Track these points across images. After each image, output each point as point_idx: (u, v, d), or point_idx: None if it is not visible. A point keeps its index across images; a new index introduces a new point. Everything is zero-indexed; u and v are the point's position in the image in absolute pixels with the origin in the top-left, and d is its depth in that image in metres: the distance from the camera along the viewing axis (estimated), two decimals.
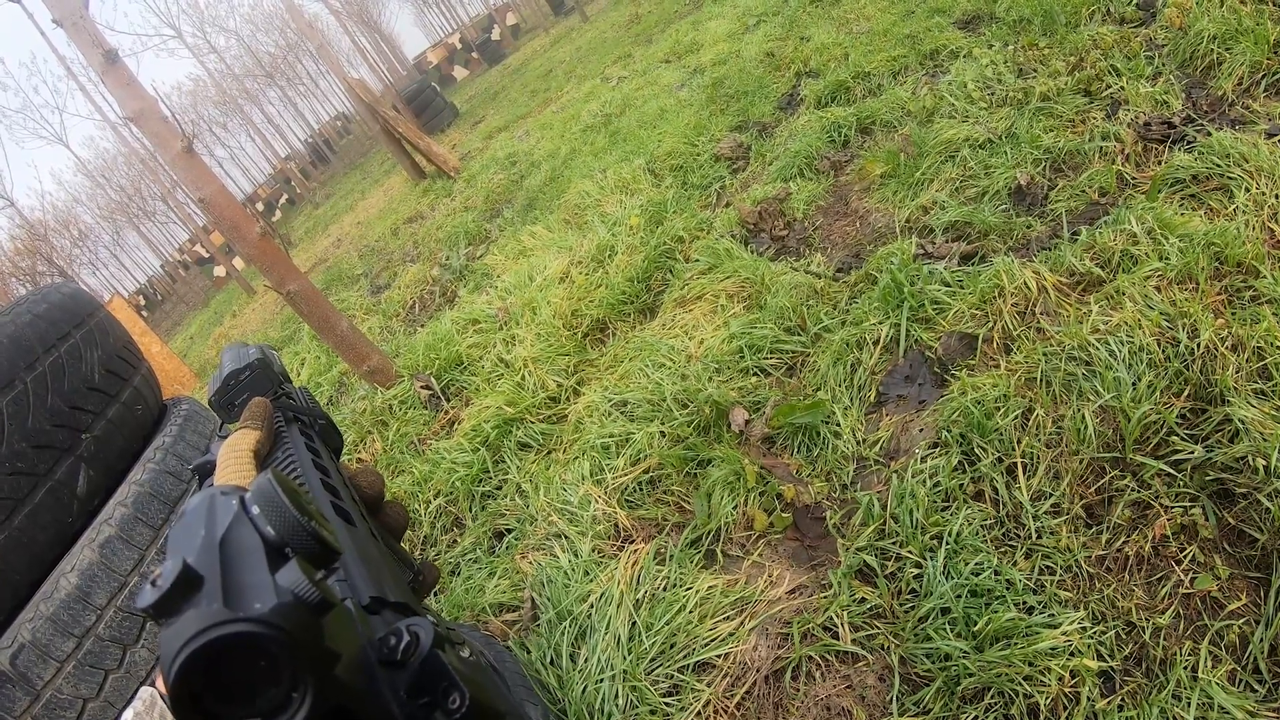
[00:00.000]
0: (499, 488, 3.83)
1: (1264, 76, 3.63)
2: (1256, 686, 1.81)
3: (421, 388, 5.00)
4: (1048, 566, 2.18)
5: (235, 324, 16.85)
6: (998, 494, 2.39)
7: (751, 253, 4.43)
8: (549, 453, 3.83)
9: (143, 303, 44.71)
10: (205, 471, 0.79)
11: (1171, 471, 2.21)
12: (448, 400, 4.88)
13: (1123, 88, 4.02)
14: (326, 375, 6.86)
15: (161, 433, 1.67)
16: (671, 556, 2.74)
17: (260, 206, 40.79)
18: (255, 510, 0.50)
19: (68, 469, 1.46)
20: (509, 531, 3.48)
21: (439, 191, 11.83)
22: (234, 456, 0.71)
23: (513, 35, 38.18)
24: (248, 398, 0.85)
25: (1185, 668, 1.85)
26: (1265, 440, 2.07)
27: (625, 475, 3.20)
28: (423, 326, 6.57)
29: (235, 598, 0.42)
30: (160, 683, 0.67)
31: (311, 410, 0.91)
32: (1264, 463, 2.04)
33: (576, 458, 3.49)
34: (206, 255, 37.11)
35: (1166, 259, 2.76)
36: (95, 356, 1.58)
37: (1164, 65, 4.10)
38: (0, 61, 55.41)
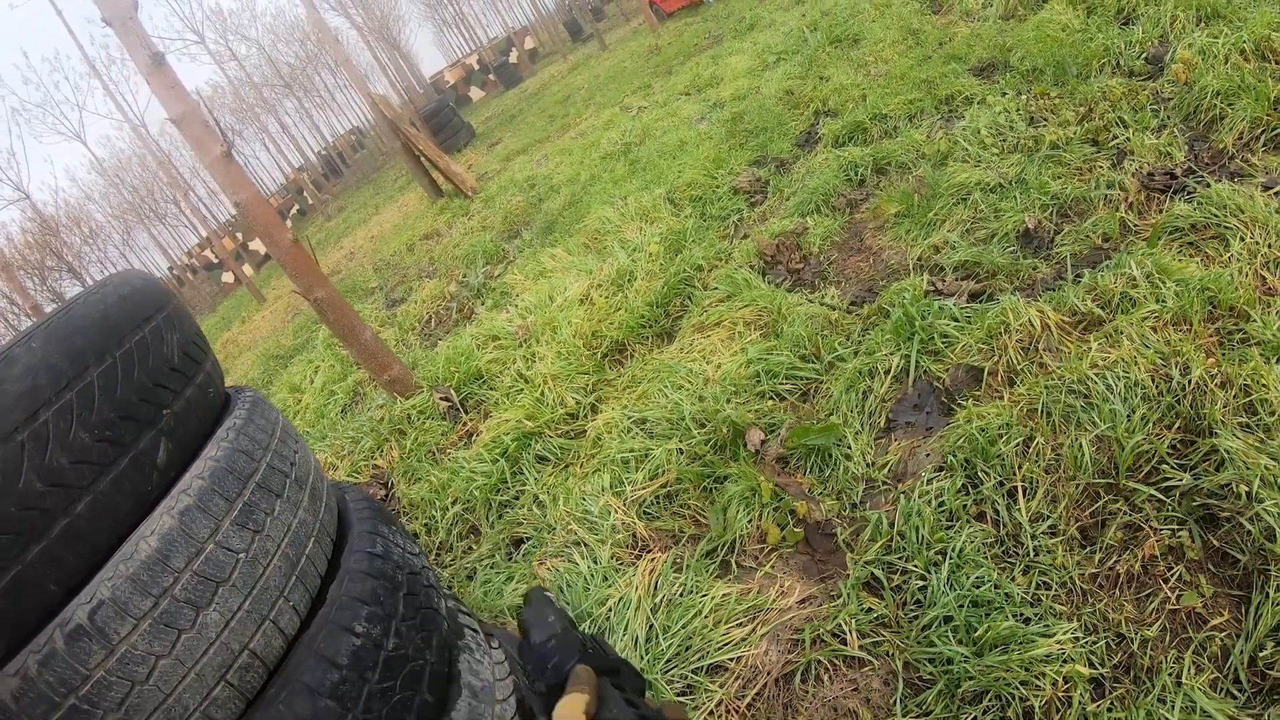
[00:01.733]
0: (516, 497, 3.95)
1: (1263, 132, 3.78)
2: (1237, 694, 1.94)
3: (440, 399, 5.13)
4: (1044, 582, 2.32)
5: (244, 330, 16.88)
6: (999, 515, 2.53)
7: (768, 284, 4.56)
8: (566, 466, 3.96)
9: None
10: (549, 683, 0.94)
11: (1161, 497, 2.36)
12: (466, 412, 5.00)
13: (1129, 138, 4.17)
14: (341, 384, 6.96)
15: (232, 415, 1.78)
16: (688, 566, 2.89)
17: None
18: None
19: (150, 441, 1.53)
20: (526, 539, 3.61)
21: (456, 210, 11.94)
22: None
23: (530, 60, 38.48)
24: (559, 661, 0.97)
25: (1170, 675, 1.99)
26: (1248, 469, 2.22)
27: (644, 489, 3.34)
28: (440, 341, 6.68)
29: None
30: None
31: (615, 661, 1.02)
32: (1246, 489, 2.19)
33: (597, 470, 3.63)
34: (216, 260, 37.20)
35: (1163, 302, 2.90)
36: (175, 339, 1.68)
37: (1169, 118, 4.25)
38: (24, 56, 55.63)
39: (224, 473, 1.61)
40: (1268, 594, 2.02)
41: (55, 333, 1.49)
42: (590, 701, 0.87)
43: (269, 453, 1.76)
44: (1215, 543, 2.22)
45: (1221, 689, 1.97)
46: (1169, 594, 2.17)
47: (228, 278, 34.33)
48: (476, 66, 39.18)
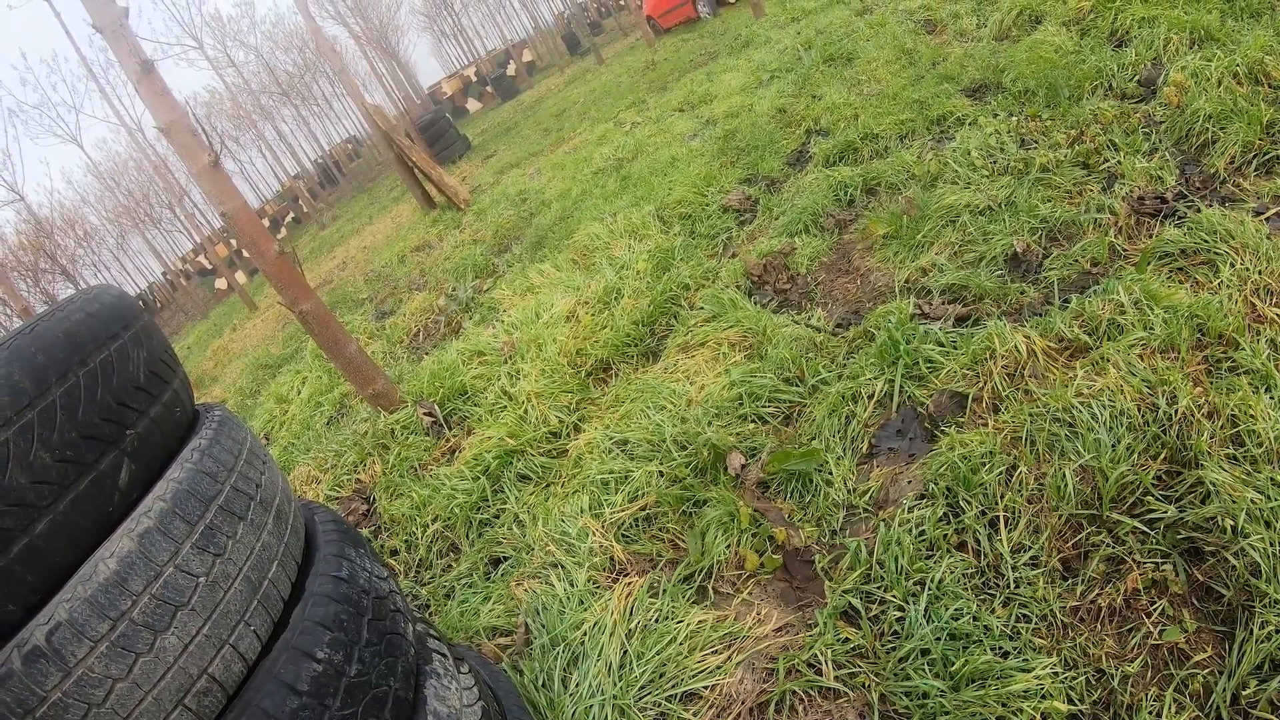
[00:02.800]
0: (497, 516, 3.92)
1: (1255, 156, 3.77)
2: None
3: (424, 414, 5.10)
4: (1024, 615, 2.29)
5: (235, 338, 16.88)
6: (980, 545, 2.50)
7: (755, 304, 4.55)
8: (548, 485, 3.93)
9: (142, 307, 44.77)
10: None
11: (1145, 529, 2.33)
12: (450, 428, 4.97)
13: (1120, 162, 4.17)
14: (328, 395, 6.93)
15: (197, 435, 1.78)
16: (664, 591, 2.85)
17: (266, 223, 40.91)
18: None
19: (112, 461, 1.54)
20: (505, 559, 3.58)
21: (448, 223, 11.94)
22: None
23: (528, 72, 38.66)
24: None
25: (1151, 712, 1.96)
26: (1234, 502, 2.19)
27: (623, 511, 3.31)
28: (427, 355, 6.66)
29: None
30: None
31: None
32: (1232, 523, 2.16)
33: (576, 492, 3.60)
34: (209, 267, 37.22)
35: (1151, 329, 2.88)
36: (141, 357, 1.69)
37: (1161, 141, 4.26)
38: (22, 57, 55.76)
39: (186, 495, 1.60)
40: (1251, 630, 1.99)
41: (18, 351, 1.49)
42: None
43: (234, 474, 1.75)
44: (1200, 577, 2.20)
45: None
46: (1151, 628, 2.15)
47: (221, 284, 34.34)
48: (474, 78, 39.31)
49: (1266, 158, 3.74)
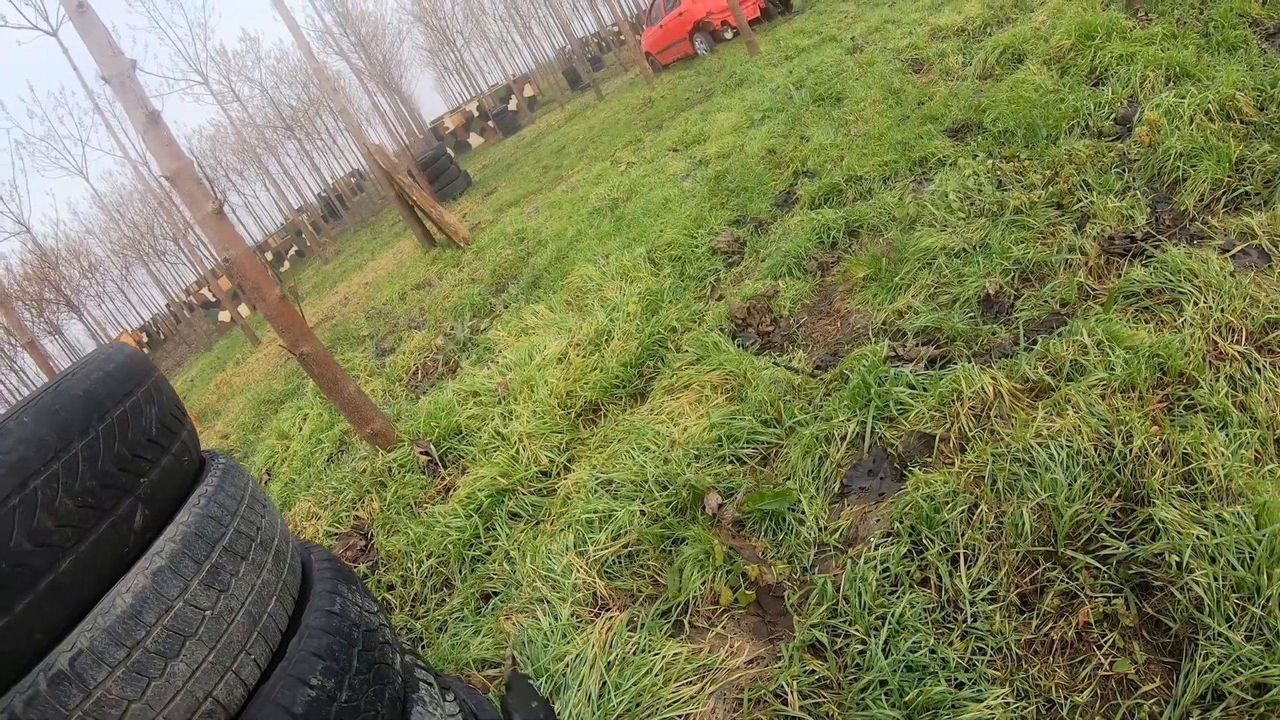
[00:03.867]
0: (489, 553, 4.04)
1: (1224, 193, 3.88)
2: None
3: (421, 453, 5.22)
4: (980, 647, 2.40)
5: (238, 372, 16.98)
6: (941, 581, 2.62)
7: (738, 346, 4.65)
8: (537, 523, 4.04)
9: (145, 340, 44.97)
10: None
11: (1098, 565, 2.44)
12: (445, 467, 5.09)
13: (1093, 201, 4.27)
14: (329, 433, 7.02)
15: (203, 483, 1.92)
16: (643, 625, 2.98)
17: (270, 256, 41.15)
18: None
19: (128, 506, 1.67)
20: (495, 594, 3.70)
21: (448, 261, 12.07)
22: None
23: (529, 107, 38.99)
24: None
25: None
26: (1181, 538, 2.31)
27: (606, 549, 3.44)
28: (425, 394, 6.76)
29: None
30: None
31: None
32: (1177, 559, 2.28)
33: (563, 530, 3.72)
34: (213, 299, 37.38)
35: (1112, 369, 2.99)
36: (154, 412, 1.83)
37: (1133, 180, 4.37)
38: (30, 90, 56.11)
39: (194, 537, 1.75)
40: (1195, 662, 2.10)
41: (45, 408, 1.63)
42: None
43: (237, 518, 1.90)
44: (1149, 610, 2.30)
45: None
46: (1102, 660, 2.25)
47: (224, 317, 34.51)
48: (476, 113, 39.65)
49: (1235, 194, 3.85)
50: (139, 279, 48.82)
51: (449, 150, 25.14)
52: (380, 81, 42.05)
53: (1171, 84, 5.04)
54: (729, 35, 19.63)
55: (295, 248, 42.49)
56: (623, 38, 33.79)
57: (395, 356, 8.46)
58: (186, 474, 1.99)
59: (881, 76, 8.45)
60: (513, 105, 38.28)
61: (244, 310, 28.45)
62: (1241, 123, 4.28)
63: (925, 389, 3.43)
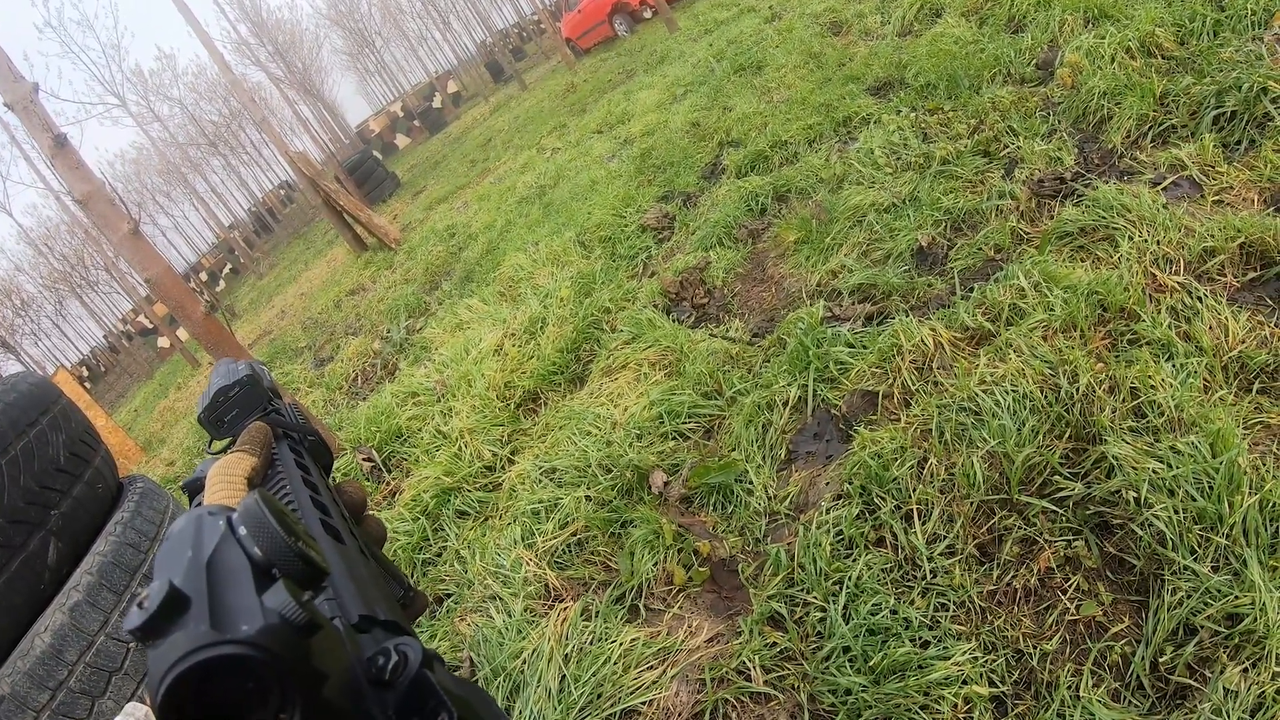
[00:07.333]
0: (439, 554, 3.92)
1: (1150, 128, 3.88)
2: (1138, 701, 1.97)
3: (363, 460, 5.09)
4: (942, 604, 2.34)
5: (180, 396, 16.72)
6: (896, 539, 2.55)
7: (673, 321, 4.59)
8: (485, 519, 3.94)
9: (85, 374, 44.09)
10: (194, 489, 0.76)
11: (1055, 508, 2.39)
12: (389, 471, 4.97)
13: (1019, 147, 4.26)
14: None
15: (120, 509, 1.82)
16: (598, 613, 2.88)
17: (204, 276, 40.47)
18: (242, 531, 0.48)
19: (39, 541, 1.60)
20: (448, 596, 3.59)
21: (380, 263, 11.91)
22: (225, 479, 0.69)
23: (454, 103, 38.59)
24: (237, 414, 0.84)
25: (1069, 688, 2.02)
26: (1137, 473, 2.27)
27: (554, 538, 3.33)
28: (365, 400, 6.64)
29: (222, 619, 0.41)
30: (148, 703, 0.62)
31: (301, 426, 0.90)
32: (1135, 495, 2.23)
33: (510, 524, 3.61)
34: (150, 326, 36.70)
35: (1051, 310, 2.96)
36: (61, 440, 1.74)
37: (1059, 123, 4.37)
38: None
39: (111, 566, 1.64)
40: (1164, 598, 2.06)
41: None
42: (257, 465, 0.73)
43: (157, 542, 1.78)
44: (1111, 550, 2.26)
45: (1124, 698, 1.99)
46: (1068, 605, 2.20)
47: (164, 342, 33.86)
48: (401, 113, 39.16)
49: (1162, 129, 3.85)
50: (74, 313, 47.90)
51: (375, 153, 24.89)
52: (301, 89, 41.43)
53: (1091, 26, 5.06)
54: (648, 15, 19.63)
55: (229, 265, 41.80)
56: (543, 26, 33.55)
57: (334, 365, 8.33)
58: (103, 501, 1.87)
59: (801, 42, 8.42)
60: (437, 103, 37.89)
61: (182, 334, 27.98)
62: (1163, 58, 4.30)
63: (865, 346, 3.38)
